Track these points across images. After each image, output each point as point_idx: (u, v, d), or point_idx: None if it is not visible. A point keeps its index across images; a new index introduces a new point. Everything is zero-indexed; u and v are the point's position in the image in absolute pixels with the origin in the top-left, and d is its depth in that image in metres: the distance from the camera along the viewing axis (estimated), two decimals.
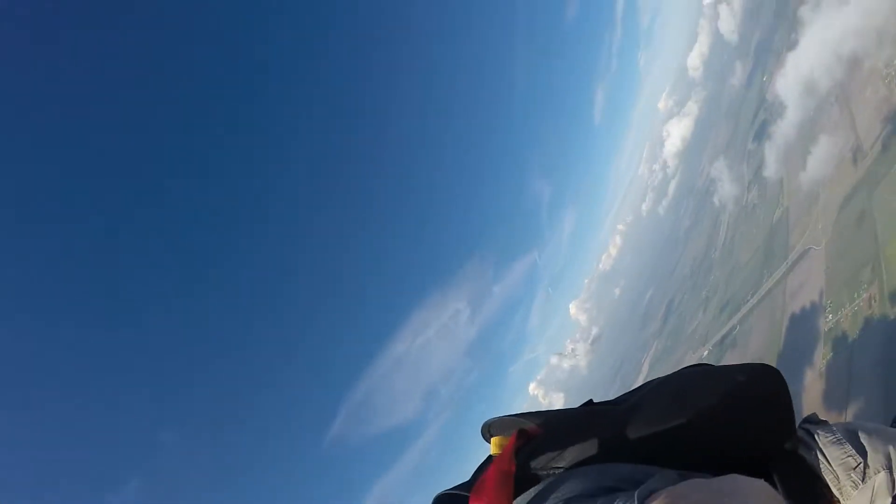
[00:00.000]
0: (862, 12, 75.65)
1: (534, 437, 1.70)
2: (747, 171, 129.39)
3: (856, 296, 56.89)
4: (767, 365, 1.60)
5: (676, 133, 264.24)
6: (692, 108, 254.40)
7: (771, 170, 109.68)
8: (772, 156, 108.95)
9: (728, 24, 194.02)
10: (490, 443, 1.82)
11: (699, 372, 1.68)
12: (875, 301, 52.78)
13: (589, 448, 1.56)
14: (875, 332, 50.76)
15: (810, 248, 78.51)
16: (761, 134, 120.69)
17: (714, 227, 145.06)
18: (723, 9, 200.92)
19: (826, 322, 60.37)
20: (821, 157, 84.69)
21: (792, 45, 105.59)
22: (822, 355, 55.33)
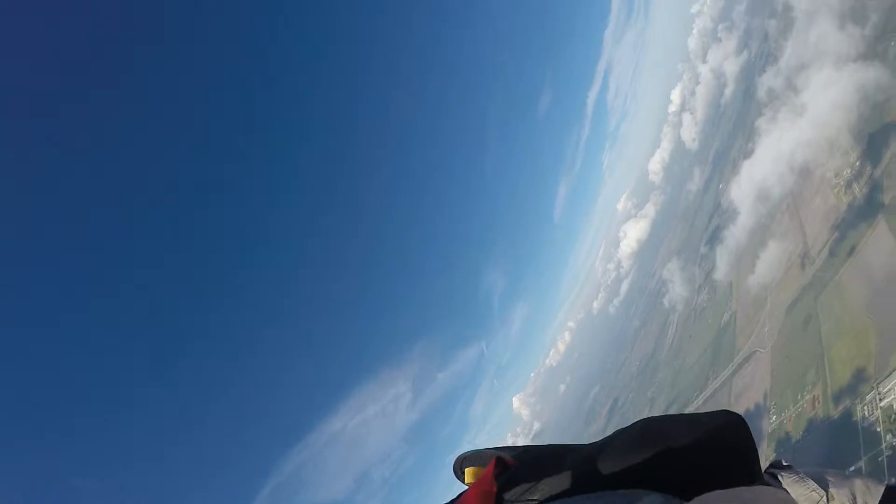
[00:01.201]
0: (815, 124, 77.85)
1: (509, 467, 1.74)
2: (698, 274, 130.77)
3: (800, 397, 56.11)
4: (731, 411, 1.64)
5: (633, 234, 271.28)
6: (650, 210, 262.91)
7: (721, 273, 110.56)
8: (723, 260, 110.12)
9: (690, 132, 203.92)
10: (462, 478, 1.86)
11: (667, 416, 1.71)
12: (819, 402, 51.98)
13: (563, 481, 1.60)
14: (818, 433, 48.95)
15: (756, 351, 77.48)
16: (714, 238, 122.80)
17: (663, 328, 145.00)
18: (686, 117, 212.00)
19: (770, 423, 58.97)
20: (770, 261, 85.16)
21: (748, 153, 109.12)
22: (765, 456, 53.07)
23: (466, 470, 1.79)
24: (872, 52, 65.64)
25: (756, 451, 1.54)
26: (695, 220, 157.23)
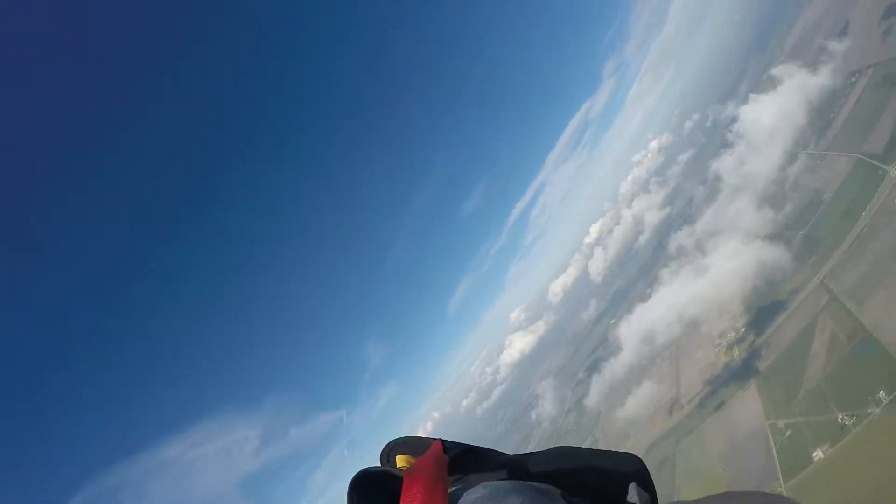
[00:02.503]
0: (713, 286, 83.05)
1: (448, 451, 1.81)
2: (571, 397, 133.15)
3: None
4: (635, 455, 1.89)
5: (518, 345, 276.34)
6: (540, 327, 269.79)
7: (592, 401, 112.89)
8: (597, 388, 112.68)
9: (598, 266, 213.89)
10: (393, 464, 1.96)
11: (583, 448, 1.90)
12: None
13: (497, 476, 1.75)
14: None
15: None
16: (593, 367, 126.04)
17: (524, 440, 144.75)
18: (598, 251, 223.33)
19: None
20: (641, 400, 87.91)
21: (645, 298, 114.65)
22: None
23: (398, 457, 1.86)
24: (780, 235, 71.62)
25: (653, 486, 1.76)
26: (580, 346, 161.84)
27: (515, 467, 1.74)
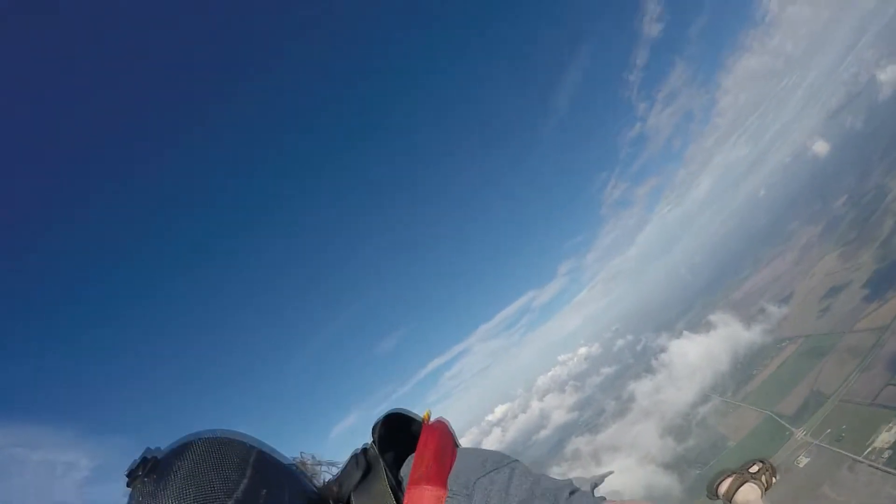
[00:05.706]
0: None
1: None
2: None
3: None
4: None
5: None
6: None
7: None
8: None
9: (490, 446, 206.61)
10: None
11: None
12: None
13: None
14: None
15: None
16: None
17: None
18: (496, 431, 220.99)
19: None
20: None
21: None
22: None
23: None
24: (676, 466, 71.43)
25: None
26: None
27: None
